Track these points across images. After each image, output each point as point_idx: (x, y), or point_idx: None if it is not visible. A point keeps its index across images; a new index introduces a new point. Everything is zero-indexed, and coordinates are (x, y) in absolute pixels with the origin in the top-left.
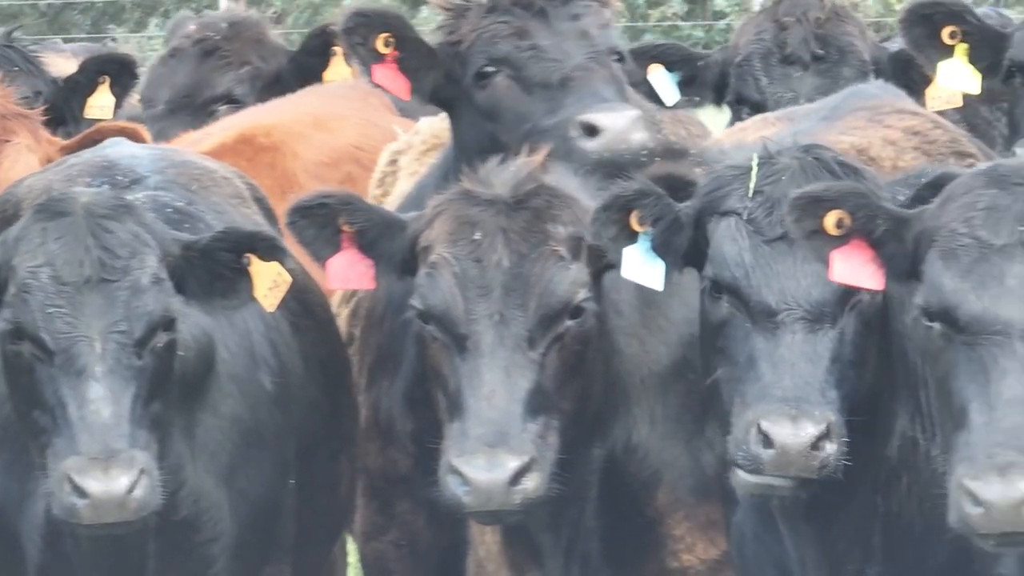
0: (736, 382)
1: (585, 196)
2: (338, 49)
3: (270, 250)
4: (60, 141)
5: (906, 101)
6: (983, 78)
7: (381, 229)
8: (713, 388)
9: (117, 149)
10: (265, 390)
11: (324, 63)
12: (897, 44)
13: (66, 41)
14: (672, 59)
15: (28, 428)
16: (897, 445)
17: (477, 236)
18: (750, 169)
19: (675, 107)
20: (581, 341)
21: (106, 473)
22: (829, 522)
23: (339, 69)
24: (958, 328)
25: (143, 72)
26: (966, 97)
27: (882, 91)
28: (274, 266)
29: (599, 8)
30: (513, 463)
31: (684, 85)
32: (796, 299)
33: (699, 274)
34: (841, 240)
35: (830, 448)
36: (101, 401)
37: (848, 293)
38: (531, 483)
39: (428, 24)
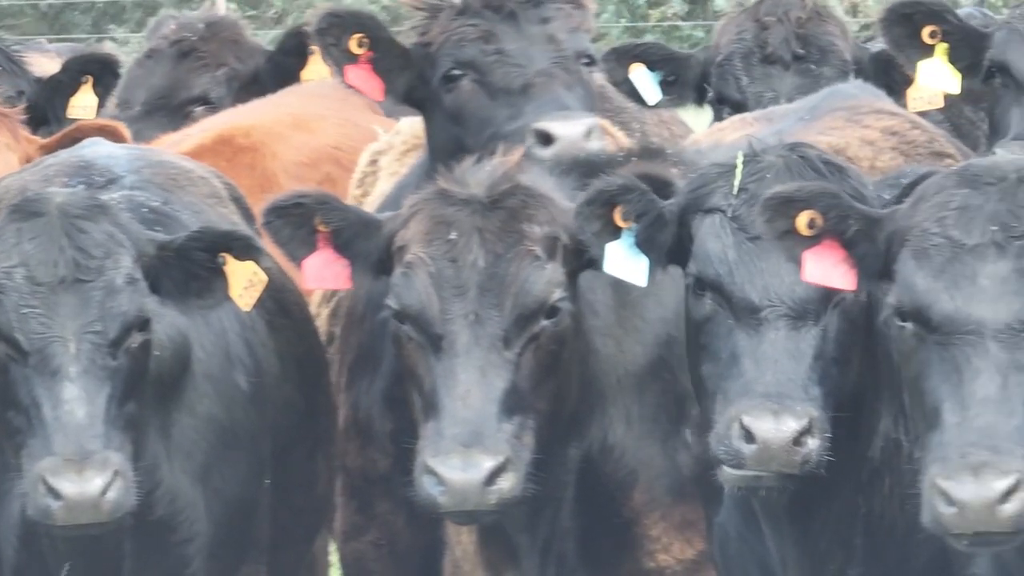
0: (719, 379)
1: (561, 196)
2: (316, 48)
3: (245, 249)
4: (39, 140)
5: (885, 101)
6: (963, 78)
7: (357, 229)
8: (697, 385)
9: (94, 149)
10: (241, 389)
11: (302, 63)
12: (879, 44)
13: (66, 42)
14: (654, 58)
15: (3, 429)
16: (880, 446)
17: (453, 236)
18: (735, 167)
19: (657, 106)
20: (557, 341)
21: (80, 475)
22: (811, 521)
23: (317, 68)
24: (931, 328)
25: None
26: (950, 97)
27: (861, 91)
28: (249, 265)
29: (570, 11)
30: (488, 463)
31: (666, 84)
32: (779, 296)
33: (683, 271)
34: (813, 240)
35: (812, 444)
36: (75, 402)
37: (832, 291)
38: (506, 483)
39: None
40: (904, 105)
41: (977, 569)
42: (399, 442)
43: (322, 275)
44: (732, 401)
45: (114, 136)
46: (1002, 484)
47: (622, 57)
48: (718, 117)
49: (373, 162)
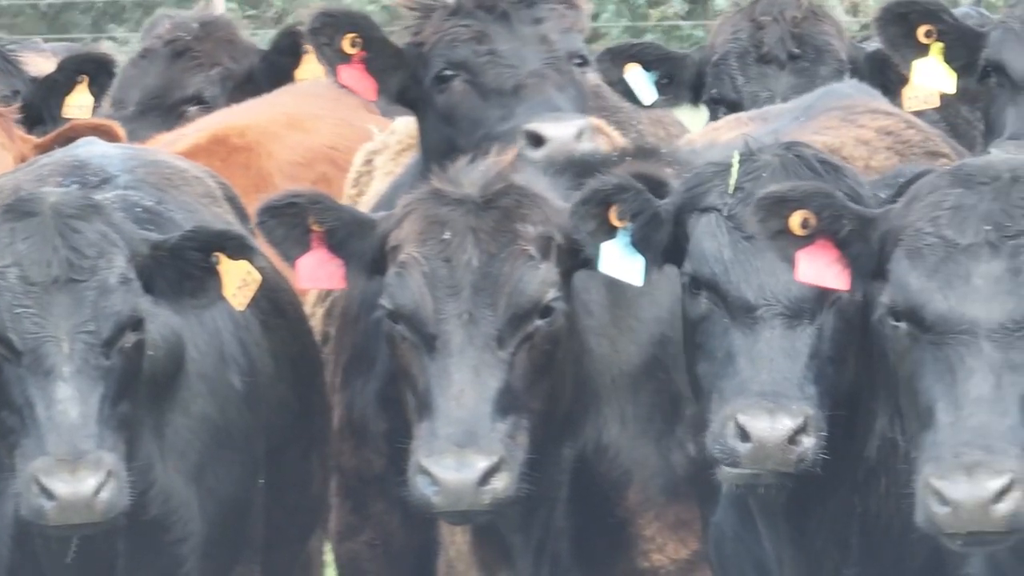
0: (715, 378)
1: (555, 195)
2: (309, 48)
3: (239, 249)
4: (34, 139)
5: (880, 101)
6: (959, 77)
7: (351, 228)
8: (694, 384)
9: (88, 148)
10: (235, 389)
11: (296, 62)
12: (875, 44)
13: (66, 41)
14: (649, 58)
15: None
16: (876, 446)
17: (446, 235)
18: (731, 166)
19: (653, 106)
20: (551, 341)
21: (73, 475)
22: (807, 521)
23: (310, 68)
24: (924, 327)
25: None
26: (946, 97)
27: (856, 91)
28: (243, 265)
29: (563, 11)
30: (482, 463)
31: (661, 84)
32: (775, 295)
33: (679, 271)
34: (807, 240)
35: (807, 442)
36: (69, 401)
37: (827, 290)
38: (500, 483)
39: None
40: (900, 105)
41: (971, 569)
42: (394, 442)
43: (316, 275)
44: (728, 400)
45: (109, 135)
46: (996, 484)
47: (617, 57)
48: (714, 117)
49: (368, 161)
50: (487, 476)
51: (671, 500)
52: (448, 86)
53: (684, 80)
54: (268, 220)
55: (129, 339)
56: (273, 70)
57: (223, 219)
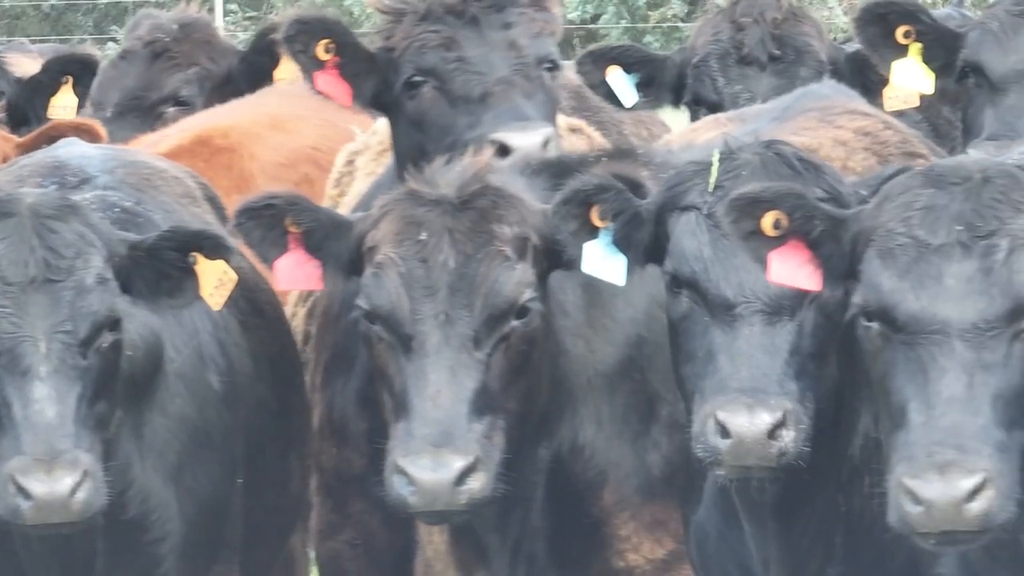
0: (697, 377)
1: (531, 196)
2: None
3: (215, 248)
4: (16, 138)
5: (857, 102)
6: (937, 78)
7: (328, 230)
8: (679, 384)
9: (68, 149)
10: (213, 389)
11: (274, 62)
12: (856, 44)
13: (68, 43)
14: (630, 61)
15: None
16: (859, 445)
17: (423, 236)
18: (711, 164)
19: (634, 108)
20: (527, 341)
21: (49, 474)
22: (794, 520)
23: (289, 67)
24: (896, 327)
25: None
26: (928, 98)
27: (834, 92)
28: (220, 264)
29: (533, 15)
30: (458, 463)
31: (642, 86)
32: (754, 292)
33: (660, 270)
34: (779, 241)
35: (787, 437)
36: (45, 401)
37: None
38: (477, 483)
39: None
40: (881, 105)
41: (944, 569)
42: (374, 442)
43: (294, 276)
44: (708, 398)
45: (90, 135)
46: (968, 483)
47: (599, 60)
48: (695, 118)
49: (350, 162)
50: (463, 476)
51: (647, 500)
52: (417, 92)
53: (665, 82)
54: (246, 222)
55: (106, 339)
56: (252, 71)
57: (202, 219)
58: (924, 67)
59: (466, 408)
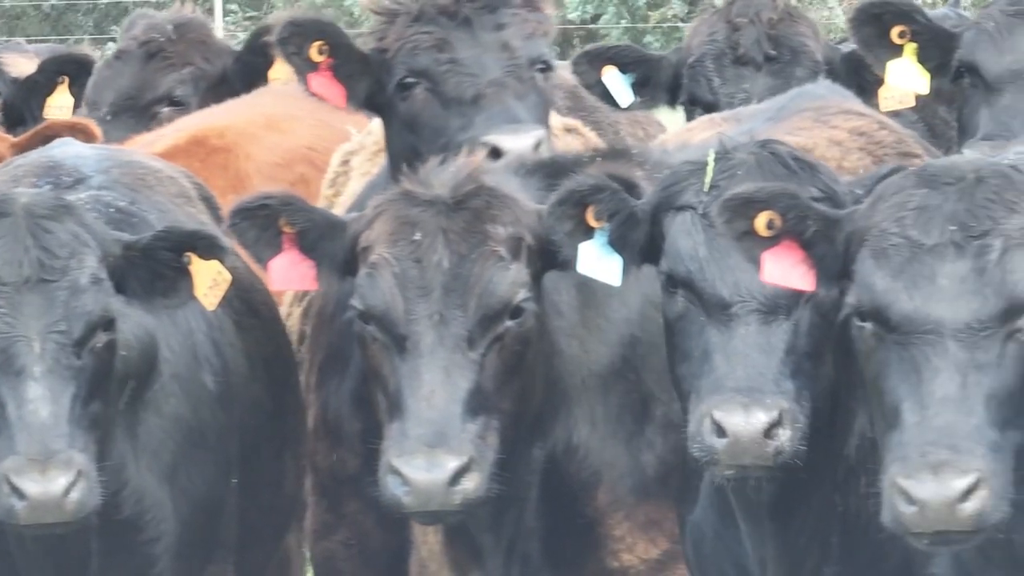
0: (693, 377)
1: (526, 196)
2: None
3: (210, 248)
4: (11, 138)
5: (852, 102)
6: (932, 78)
7: (322, 230)
8: (676, 385)
9: (63, 149)
10: (208, 389)
11: (269, 62)
12: (851, 45)
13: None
14: (626, 61)
15: None
16: (856, 444)
17: (417, 236)
18: (706, 164)
19: (630, 108)
20: (521, 341)
21: (43, 474)
22: (791, 519)
23: (283, 67)
24: (890, 328)
25: None
26: (924, 98)
27: (829, 92)
28: (214, 264)
29: (526, 16)
30: (452, 463)
31: (638, 86)
32: (750, 291)
33: (656, 270)
34: (772, 241)
35: (784, 435)
36: (40, 401)
37: None
38: (471, 483)
39: None
40: (876, 105)
41: (937, 569)
42: (368, 442)
43: (288, 276)
44: (704, 398)
45: (85, 134)
46: (962, 483)
47: (594, 60)
48: (690, 118)
49: (345, 162)
50: (457, 476)
51: (641, 500)
52: (410, 94)
53: (661, 82)
54: (240, 222)
55: (100, 339)
56: (247, 71)
57: (196, 219)
58: (919, 67)
59: (460, 408)
